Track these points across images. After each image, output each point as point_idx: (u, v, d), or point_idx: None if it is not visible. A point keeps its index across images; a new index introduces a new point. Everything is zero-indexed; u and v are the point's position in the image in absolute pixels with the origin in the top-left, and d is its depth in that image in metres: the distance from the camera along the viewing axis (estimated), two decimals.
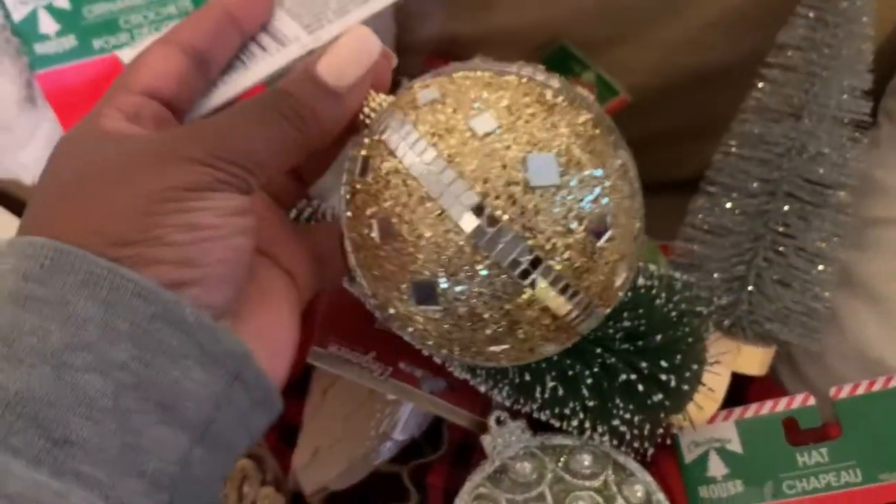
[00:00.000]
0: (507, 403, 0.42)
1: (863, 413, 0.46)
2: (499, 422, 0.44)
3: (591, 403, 0.40)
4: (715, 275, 0.49)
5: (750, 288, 0.48)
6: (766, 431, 0.47)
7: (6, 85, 0.52)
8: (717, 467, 0.47)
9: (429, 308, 0.29)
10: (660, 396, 0.40)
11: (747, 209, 0.48)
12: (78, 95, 0.52)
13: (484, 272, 0.28)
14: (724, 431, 0.47)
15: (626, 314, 0.40)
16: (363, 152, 0.30)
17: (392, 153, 0.29)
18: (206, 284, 0.27)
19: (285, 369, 0.31)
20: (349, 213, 0.30)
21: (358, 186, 0.30)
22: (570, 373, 0.40)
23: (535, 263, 0.28)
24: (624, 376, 0.40)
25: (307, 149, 0.30)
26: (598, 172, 0.29)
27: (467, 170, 0.28)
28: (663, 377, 0.40)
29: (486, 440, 0.44)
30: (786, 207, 0.47)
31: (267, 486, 0.48)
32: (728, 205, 0.48)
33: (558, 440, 0.44)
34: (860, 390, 0.46)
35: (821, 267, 0.48)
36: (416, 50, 0.57)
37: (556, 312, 0.29)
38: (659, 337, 0.40)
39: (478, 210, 0.28)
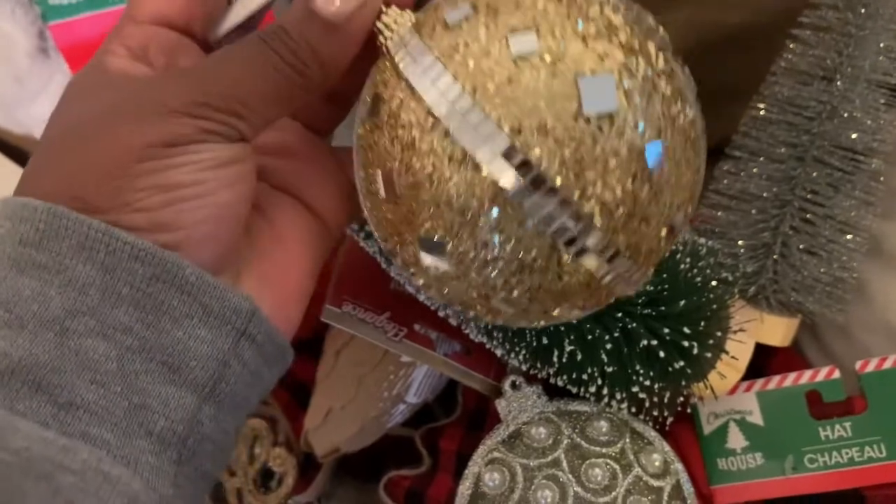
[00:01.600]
0: (524, 368, 0.41)
1: (889, 387, 0.44)
2: (514, 386, 0.43)
3: (609, 369, 0.39)
4: (740, 242, 0.47)
5: (775, 256, 0.47)
6: (788, 404, 0.46)
7: (18, 35, 0.51)
8: (736, 439, 0.46)
9: (440, 264, 0.26)
10: (681, 363, 0.39)
11: (774, 175, 0.46)
12: (92, 47, 0.51)
13: (515, 237, 0.24)
14: (744, 403, 0.46)
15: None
16: (375, 87, 0.27)
17: (410, 88, 0.25)
18: (188, 247, 0.26)
19: (298, 315, 0.30)
20: (358, 158, 0.27)
21: (367, 127, 0.26)
22: (590, 337, 0.38)
23: (585, 230, 0.24)
24: (645, 342, 0.38)
25: (312, 89, 0.27)
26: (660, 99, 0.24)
27: (502, 107, 0.24)
28: (685, 344, 0.39)
29: (500, 404, 0.43)
30: (814, 174, 0.46)
31: (279, 447, 0.47)
32: (755, 170, 0.47)
33: (575, 406, 0.43)
34: (887, 364, 0.45)
35: (849, 236, 0.47)
36: None
37: (596, 277, 0.25)
38: (682, 303, 0.39)
39: (513, 157, 0.23)
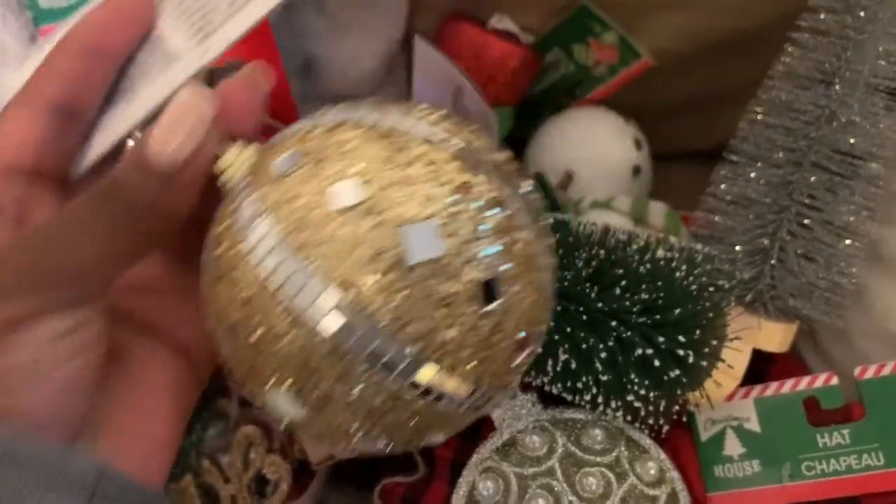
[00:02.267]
0: (524, 379, 0.41)
1: (888, 394, 0.44)
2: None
3: (604, 378, 0.39)
4: (737, 247, 0.47)
5: (773, 262, 0.46)
6: (786, 411, 0.45)
7: (8, 41, 0.50)
8: (733, 446, 0.46)
9: (292, 413, 0.25)
10: (676, 372, 0.39)
11: (772, 179, 0.46)
12: None
13: (356, 380, 0.24)
14: (742, 410, 0.46)
15: (643, 286, 0.39)
16: (216, 228, 0.26)
17: (238, 238, 0.24)
18: (35, 422, 0.24)
19: (165, 463, 0.28)
20: (203, 308, 0.26)
21: (208, 278, 0.25)
22: (584, 346, 0.38)
23: (418, 363, 0.24)
24: (640, 351, 0.38)
25: (154, 241, 0.26)
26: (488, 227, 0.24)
27: (326, 259, 0.23)
28: (681, 352, 0.38)
29: (495, 413, 0.43)
30: (812, 178, 0.45)
31: (273, 454, 0.47)
32: (752, 174, 0.46)
33: (570, 414, 0.43)
34: (886, 370, 0.45)
35: (848, 241, 0.46)
36: (433, 7, 0.55)
37: (447, 406, 0.25)
38: (677, 311, 0.39)
39: (342, 308, 0.23)
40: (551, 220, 0.40)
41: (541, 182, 0.53)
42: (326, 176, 0.24)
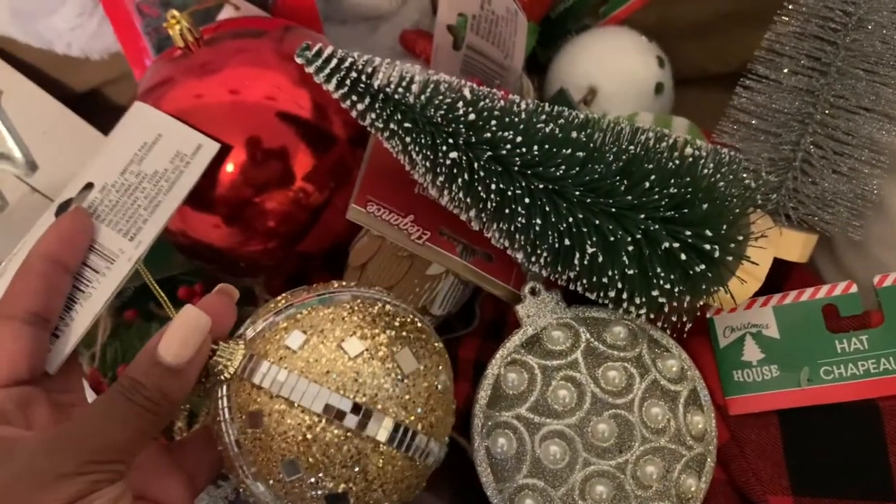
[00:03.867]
0: (545, 273, 0.42)
1: None
2: (533, 292, 0.44)
3: (630, 272, 0.39)
4: (763, 155, 0.47)
5: (796, 171, 0.47)
6: (804, 318, 0.46)
7: None
8: (752, 352, 0.46)
9: None
10: (702, 266, 0.39)
11: (797, 88, 0.46)
12: None
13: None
14: (761, 317, 0.47)
15: (671, 181, 0.39)
16: (247, 406, 0.35)
17: (286, 401, 0.34)
18: None
19: None
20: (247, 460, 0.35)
21: (250, 438, 0.35)
22: (612, 238, 0.39)
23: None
24: (666, 244, 0.39)
25: (164, 422, 0.33)
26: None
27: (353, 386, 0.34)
28: (706, 247, 0.39)
29: (520, 309, 0.43)
30: (839, 86, 0.46)
31: None
32: (778, 82, 0.47)
33: (593, 313, 0.43)
34: None
35: (871, 152, 0.47)
36: None
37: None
38: (704, 206, 0.39)
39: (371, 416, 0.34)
40: (584, 115, 0.41)
41: (565, 97, 0.53)
42: (334, 337, 0.35)
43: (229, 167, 0.45)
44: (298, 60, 0.38)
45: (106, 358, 0.49)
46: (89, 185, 0.43)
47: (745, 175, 0.42)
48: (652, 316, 0.42)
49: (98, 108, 0.65)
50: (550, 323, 0.43)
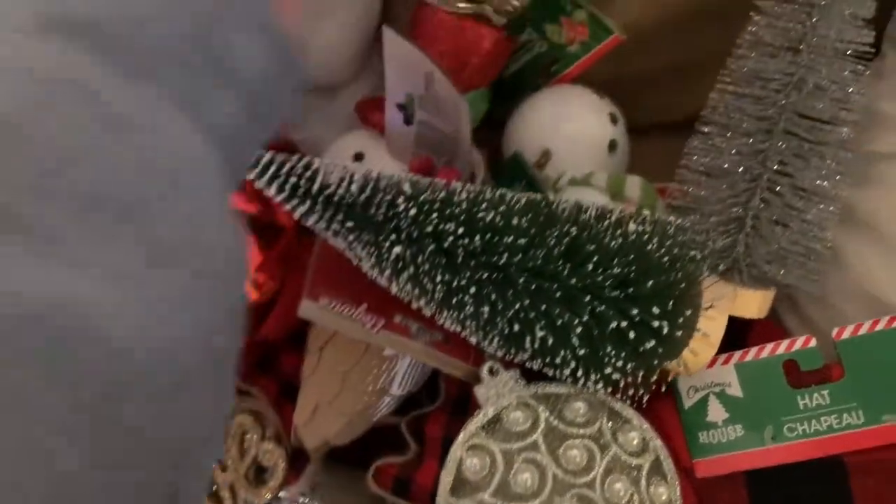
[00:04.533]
0: (499, 354, 0.42)
1: (865, 353, 0.45)
2: (492, 371, 0.44)
3: (581, 352, 0.40)
4: (712, 217, 0.48)
5: (747, 230, 0.47)
6: (766, 374, 0.46)
7: None
8: (716, 412, 0.47)
9: None
10: (652, 343, 0.39)
11: (743, 149, 0.47)
12: None
13: None
14: (723, 375, 0.47)
15: (615, 261, 0.39)
16: None
17: None
18: None
19: None
20: None
21: None
22: (560, 322, 0.39)
23: None
24: (614, 324, 0.39)
25: None
26: None
27: None
28: (655, 324, 0.39)
29: (479, 391, 0.44)
30: (783, 145, 0.46)
31: (266, 441, 0.48)
32: (724, 144, 0.47)
33: (552, 389, 0.43)
34: (863, 330, 0.45)
35: (821, 206, 0.47)
36: None
37: None
38: (650, 283, 0.39)
39: None
40: (525, 198, 0.41)
41: (519, 161, 0.53)
42: None
43: None
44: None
45: None
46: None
47: (692, 247, 0.42)
48: (610, 389, 0.42)
49: None
50: (511, 403, 0.43)
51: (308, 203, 0.38)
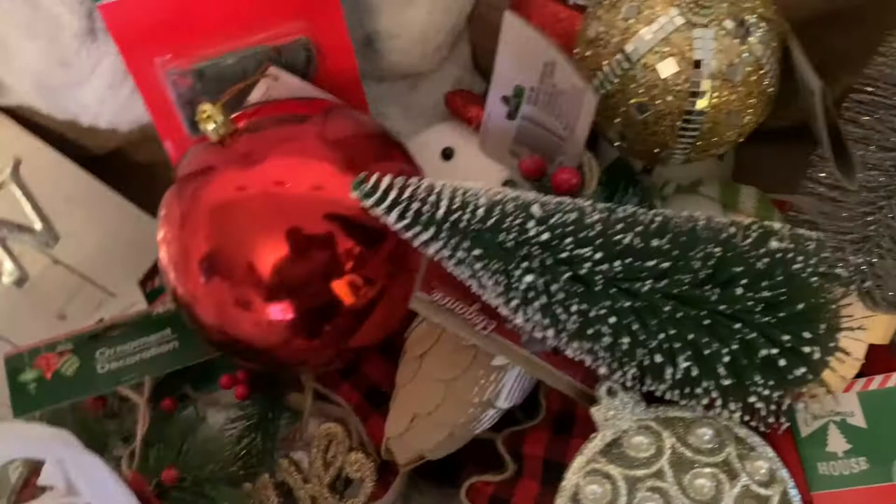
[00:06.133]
0: (629, 385, 0.39)
1: None
2: (610, 392, 0.41)
3: (726, 382, 0.37)
4: (838, 235, 0.45)
5: (880, 249, 0.44)
6: (893, 405, 0.43)
7: (65, 16, 0.48)
8: (837, 442, 0.44)
9: None
10: (803, 370, 0.37)
11: (882, 163, 0.43)
12: (143, 29, 0.47)
13: None
14: (845, 404, 0.44)
15: (763, 282, 0.36)
16: None
17: None
18: None
19: None
20: None
21: None
22: (707, 351, 0.36)
23: None
24: (764, 352, 0.36)
25: None
26: None
27: None
28: (806, 349, 0.36)
29: (597, 412, 0.41)
30: None
31: (355, 452, 0.45)
32: (861, 157, 0.44)
33: (675, 413, 0.41)
34: None
35: None
36: None
37: None
38: (800, 305, 0.36)
39: None
40: (660, 216, 0.38)
41: (625, 167, 0.50)
42: None
43: (275, 260, 0.42)
44: (354, 195, 0.35)
45: (149, 460, 0.46)
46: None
47: (837, 265, 0.39)
48: (747, 417, 0.39)
49: (120, 169, 0.62)
50: (631, 426, 0.40)
51: (432, 230, 0.35)
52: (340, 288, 0.43)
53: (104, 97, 0.50)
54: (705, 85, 0.41)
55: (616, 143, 0.46)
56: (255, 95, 0.48)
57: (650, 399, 0.41)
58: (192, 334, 0.52)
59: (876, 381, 0.44)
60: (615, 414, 0.40)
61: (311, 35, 0.49)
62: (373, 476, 0.45)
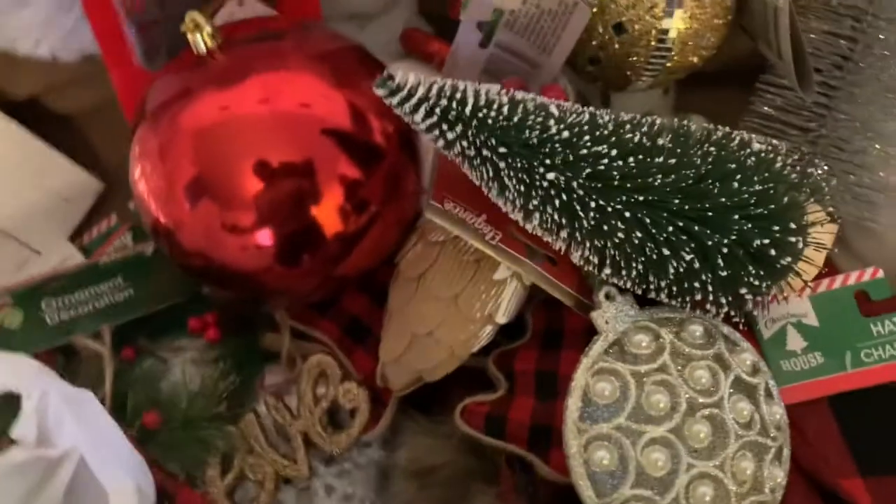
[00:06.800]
0: (630, 285, 0.41)
1: None
2: (608, 297, 0.42)
3: (724, 274, 0.39)
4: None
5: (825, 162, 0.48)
6: (839, 305, 0.48)
7: None
8: (795, 341, 0.48)
9: None
10: (788, 259, 0.40)
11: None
12: None
13: None
14: (799, 307, 0.48)
15: (755, 178, 0.39)
16: None
17: None
18: None
19: None
20: None
21: None
22: (709, 243, 0.38)
23: None
24: (758, 241, 0.39)
25: None
26: None
27: None
28: (792, 239, 0.39)
29: (598, 317, 0.42)
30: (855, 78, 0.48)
31: (348, 381, 0.44)
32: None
33: (667, 313, 0.43)
34: None
35: (877, 145, 0.49)
36: None
37: None
38: (785, 199, 0.40)
39: None
40: (658, 119, 0.40)
41: (584, 100, 0.52)
42: None
43: (265, 181, 0.41)
44: (378, 92, 0.35)
45: (125, 408, 0.43)
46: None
47: (806, 166, 0.43)
48: (733, 312, 0.42)
49: (39, 118, 0.57)
50: (629, 327, 0.42)
51: (459, 128, 0.36)
52: (332, 210, 0.42)
53: (52, 18, 0.46)
54: (680, 5, 0.44)
55: (588, 69, 0.48)
56: (220, 20, 0.46)
57: (641, 305, 0.43)
58: (147, 281, 0.49)
59: (823, 285, 0.48)
60: (615, 315, 0.42)
61: None
62: (367, 405, 0.44)
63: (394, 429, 0.46)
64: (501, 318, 0.43)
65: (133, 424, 0.42)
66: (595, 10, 0.44)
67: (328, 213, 0.42)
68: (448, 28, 0.50)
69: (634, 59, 0.46)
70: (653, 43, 0.45)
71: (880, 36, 0.48)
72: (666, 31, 0.44)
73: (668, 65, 0.46)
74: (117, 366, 0.46)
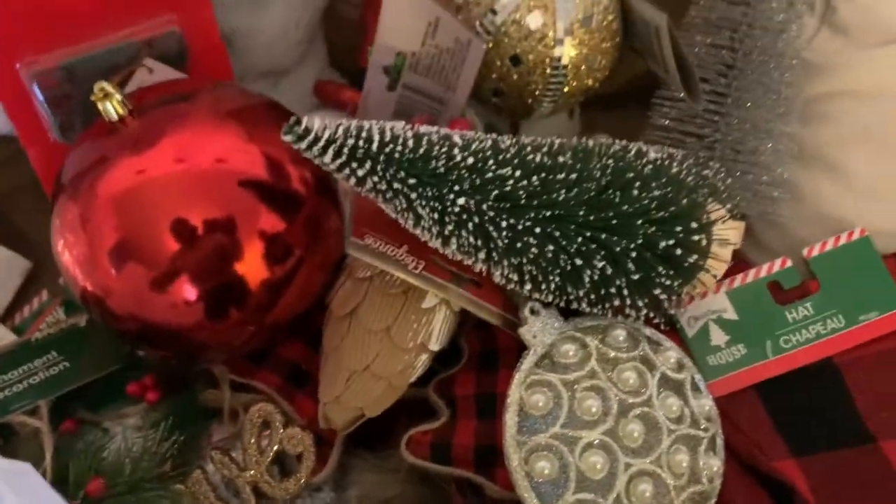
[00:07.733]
0: (551, 297, 0.42)
1: (835, 266, 0.51)
2: (533, 312, 0.44)
3: (635, 277, 0.41)
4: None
5: (722, 165, 0.51)
6: (755, 296, 0.50)
7: None
8: (718, 336, 0.50)
9: None
10: (695, 257, 0.42)
11: (705, 91, 0.51)
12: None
13: None
14: (718, 302, 0.50)
15: (653, 184, 0.42)
16: None
17: None
18: None
19: None
20: None
21: None
22: (617, 249, 0.40)
23: None
24: (663, 243, 0.41)
25: None
26: None
27: None
28: (695, 237, 0.42)
29: (525, 332, 0.44)
30: (742, 83, 0.51)
31: (292, 427, 0.45)
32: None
33: (589, 322, 0.45)
34: (829, 246, 0.51)
35: (769, 144, 0.53)
36: None
37: None
38: (685, 201, 0.42)
39: None
40: (557, 140, 0.42)
41: (493, 130, 0.55)
42: None
43: (187, 239, 0.42)
44: (286, 139, 0.37)
45: (67, 478, 0.42)
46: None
47: (702, 170, 0.45)
48: (652, 314, 0.44)
49: None
50: (556, 339, 0.43)
51: (368, 165, 0.37)
52: (256, 261, 0.43)
53: None
54: (569, 33, 0.46)
55: (493, 101, 0.50)
56: (131, 88, 0.47)
57: (565, 316, 0.45)
58: (81, 352, 0.50)
59: (738, 279, 0.51)
60: (541, 329, 0.44)
61: (182, 28, 0.49)
62: (312, 448, 0.45)
63: (342, 469, 0.47)
64: (434, 346, 0.44)
65: (76, 496, 0.41)
66: (490, 44, 0.47)
67: (252, 264, 0.43)
68: (360, 78, 0.52)
69: (533, 87, 0.48)
70: (548, 71, 0.47)
71: (757, 43, 0.51)
72: (559, 59, 0.47)
73: (566, 89, 0.49)
74: (58, 440, 0.45)
